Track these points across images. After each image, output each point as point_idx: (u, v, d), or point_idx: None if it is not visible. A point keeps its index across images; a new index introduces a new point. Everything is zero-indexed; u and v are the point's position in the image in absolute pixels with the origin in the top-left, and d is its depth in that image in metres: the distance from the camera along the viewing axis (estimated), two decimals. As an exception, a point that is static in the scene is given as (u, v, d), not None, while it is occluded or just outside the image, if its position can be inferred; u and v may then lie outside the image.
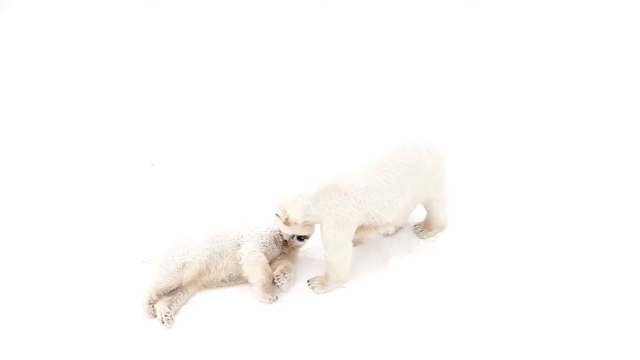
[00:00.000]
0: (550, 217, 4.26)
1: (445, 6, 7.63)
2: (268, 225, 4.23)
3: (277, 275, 4.02)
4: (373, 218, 3.92)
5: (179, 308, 4.00)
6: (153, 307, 3.94)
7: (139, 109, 6.59)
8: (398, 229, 4.32)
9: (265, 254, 4.09)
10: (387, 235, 4.35)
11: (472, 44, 6.99)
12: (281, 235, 4.17)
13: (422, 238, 4.29)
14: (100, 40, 7.96)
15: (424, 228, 4.31)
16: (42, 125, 6.46)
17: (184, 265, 4.04)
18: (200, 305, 4.03)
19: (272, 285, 4.02)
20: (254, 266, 4.01)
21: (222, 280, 4.16)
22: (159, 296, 3.98)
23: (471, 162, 5.03)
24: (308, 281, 4.08)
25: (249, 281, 4.05)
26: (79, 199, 5.25)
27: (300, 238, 4.12)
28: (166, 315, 3.86)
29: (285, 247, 4.23)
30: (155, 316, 3.93)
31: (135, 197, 5.21)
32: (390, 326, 3.66)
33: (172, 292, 4.04)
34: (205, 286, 4.15)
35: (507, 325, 3.52)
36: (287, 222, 3.92)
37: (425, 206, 4.21)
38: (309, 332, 3.71)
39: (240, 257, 4.06)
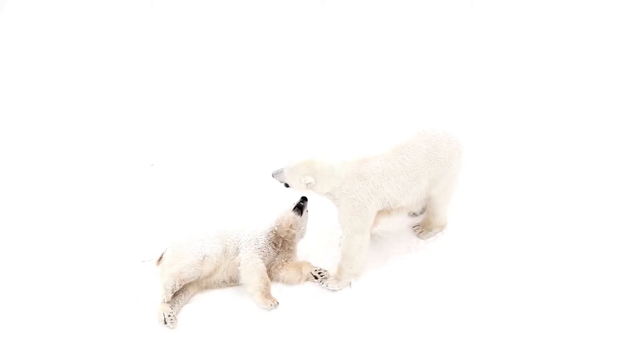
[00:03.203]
0: (550, 217, 4.27)
1: (454, 4, 7.57)
2: (264, 228, 4.22)
3: (319, 272, 4.05)
4: (388, 202, 3.91)
5: (180, 308, 4.00)
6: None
7: (138, 109, 6.59)
8: (411, 214, 4.37)
9: (263, 259, 4.08)
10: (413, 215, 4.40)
11: (472, 44, 6.97)
12: (277, 237, 4.18)
13: (422, 238, 4.29)
14: (100, 40, 7.94)
15: (424, 228, 4.31)
16: (42, 125, 6.45)
17: (204, 257, 4.04)
18: (201, 305, 4.04)
19: (270, 291, 3.97)
20: (252, 273, 3.97)
21: (223, 281, 4.17)
22: (180, 285, 3.97)
23: (471, 162, 5.02)
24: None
25: (247, 290, 3.99)
26: (79, 199, 5.25)
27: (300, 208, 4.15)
28: (169, 316, 3.86)
29: (283, 248, 4.23)
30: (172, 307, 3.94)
31: (135, 197, 5.21)
32: (390, 326, 3.67)
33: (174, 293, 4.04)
34: (207, 287, 4.15)
35: (507, 324, 3.53)
36: (306, 187, 3.89)
37: (432, 200, 4.13)
38: (310, 332, 3.72)
39: (239, 263, 4.05)
